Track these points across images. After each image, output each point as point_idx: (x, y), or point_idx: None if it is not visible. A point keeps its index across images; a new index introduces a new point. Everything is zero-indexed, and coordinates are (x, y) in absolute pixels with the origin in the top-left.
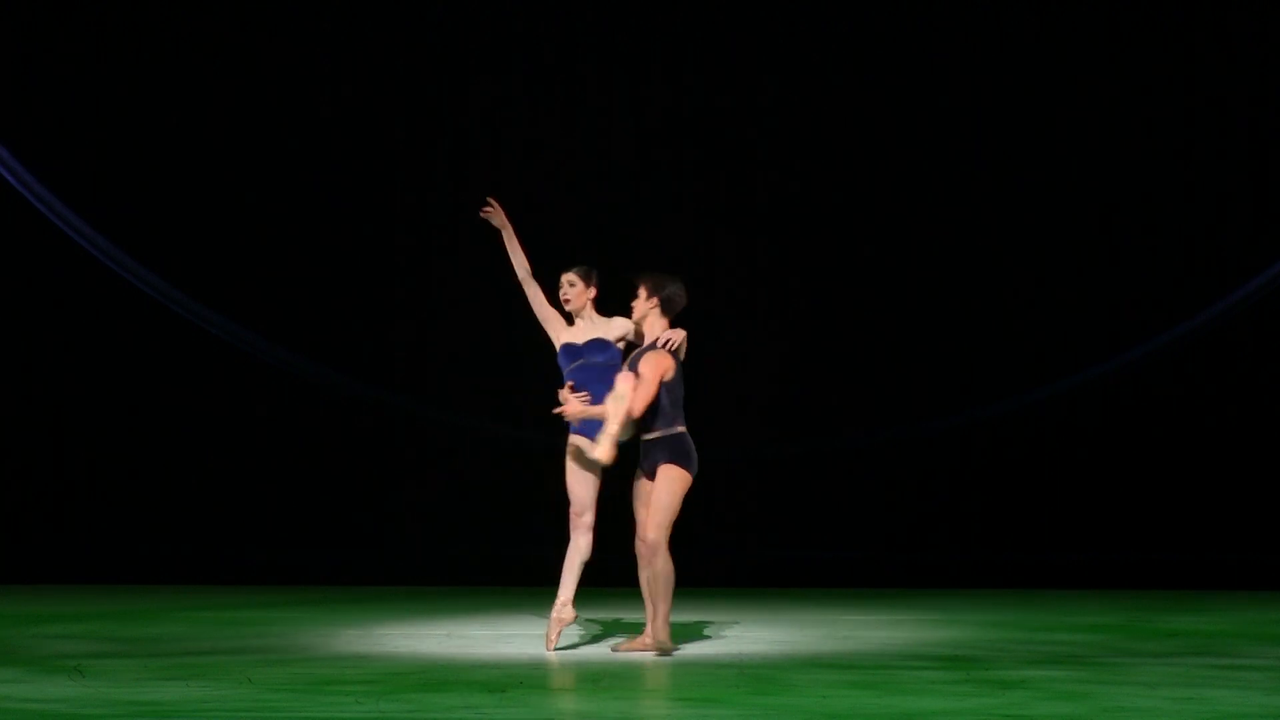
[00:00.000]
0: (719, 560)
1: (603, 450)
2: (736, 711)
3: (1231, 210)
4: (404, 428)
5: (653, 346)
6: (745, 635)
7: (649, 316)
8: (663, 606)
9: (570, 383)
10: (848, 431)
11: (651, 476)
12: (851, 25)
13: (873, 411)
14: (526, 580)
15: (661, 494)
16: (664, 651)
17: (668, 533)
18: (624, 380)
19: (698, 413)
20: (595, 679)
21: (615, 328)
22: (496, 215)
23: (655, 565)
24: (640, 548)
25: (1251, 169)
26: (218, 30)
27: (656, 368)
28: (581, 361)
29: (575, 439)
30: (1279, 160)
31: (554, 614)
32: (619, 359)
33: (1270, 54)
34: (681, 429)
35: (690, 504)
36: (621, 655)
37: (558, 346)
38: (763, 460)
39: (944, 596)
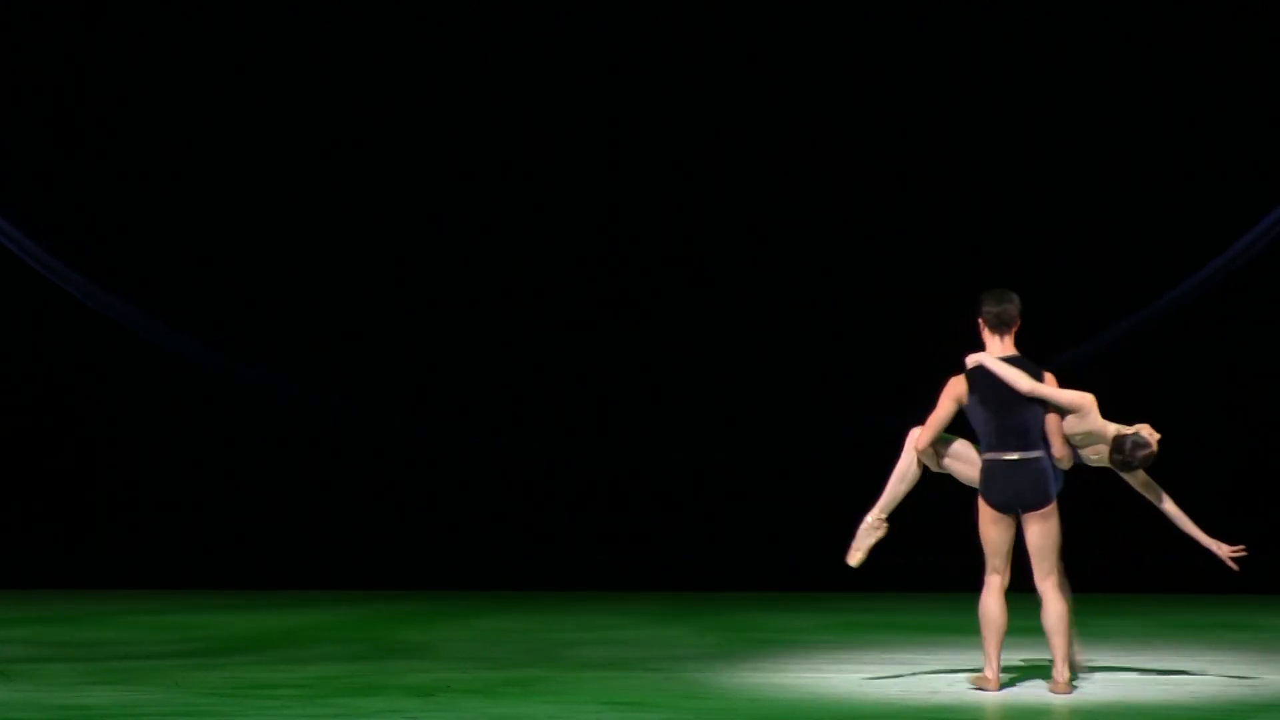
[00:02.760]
0: (647, 561)
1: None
2: (666, 715)
3: (1184, 198)
4: (341, 431)
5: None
6: (671, 639)
7: (986, 339)
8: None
9: None
10: (783, 434)
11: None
12: (766, 36)
13: (812, 414)
14: (461, 584)
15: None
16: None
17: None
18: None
19: (652, 412)
20: (524, 684)
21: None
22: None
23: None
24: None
25: (1194, 164)
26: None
27: (945, 392)
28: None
29: None
30: (1223, 154)
31: (865, 521)
32: None
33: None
34: (988, 456)
35: (636, 504)
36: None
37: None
38: (699, 461)
39: (878, 598)
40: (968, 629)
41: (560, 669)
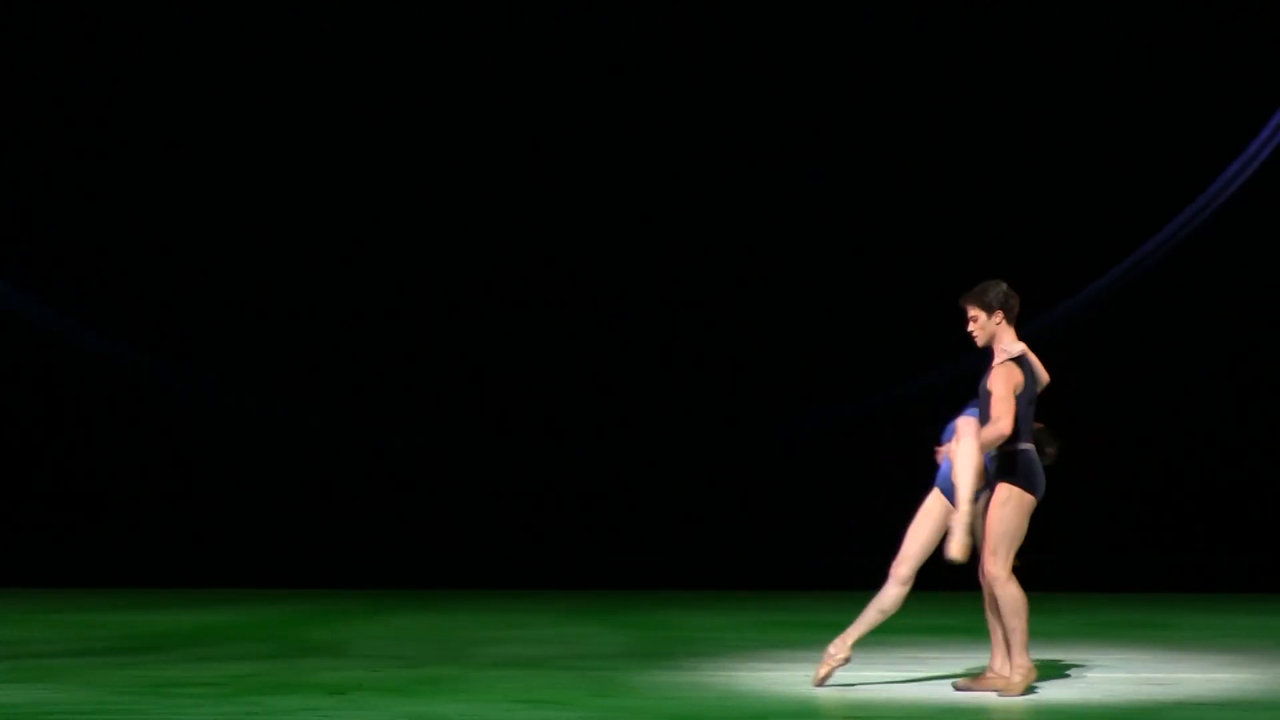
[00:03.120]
0: (560, 559)
1: (956, 544)
2: (578, 713)
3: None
4: (254, 430)
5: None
6: (583, 637)
7: (998, 333)
8: (1017, 638)
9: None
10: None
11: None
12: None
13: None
14: (373, 583)
15: (992, 519)
16: (1027, 688)
17: (1007, 562)
18: (966, 426)
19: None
20: (436, 682)
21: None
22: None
23: (1001, 596)
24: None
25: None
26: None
27: (1008, 381)
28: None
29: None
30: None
31: (831, 650)
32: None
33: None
34: (1025, 445)
35: (547, 502)
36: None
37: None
38: (613, 461)
39: (790, 597)
40: (879, 627)
41: (472, 667)
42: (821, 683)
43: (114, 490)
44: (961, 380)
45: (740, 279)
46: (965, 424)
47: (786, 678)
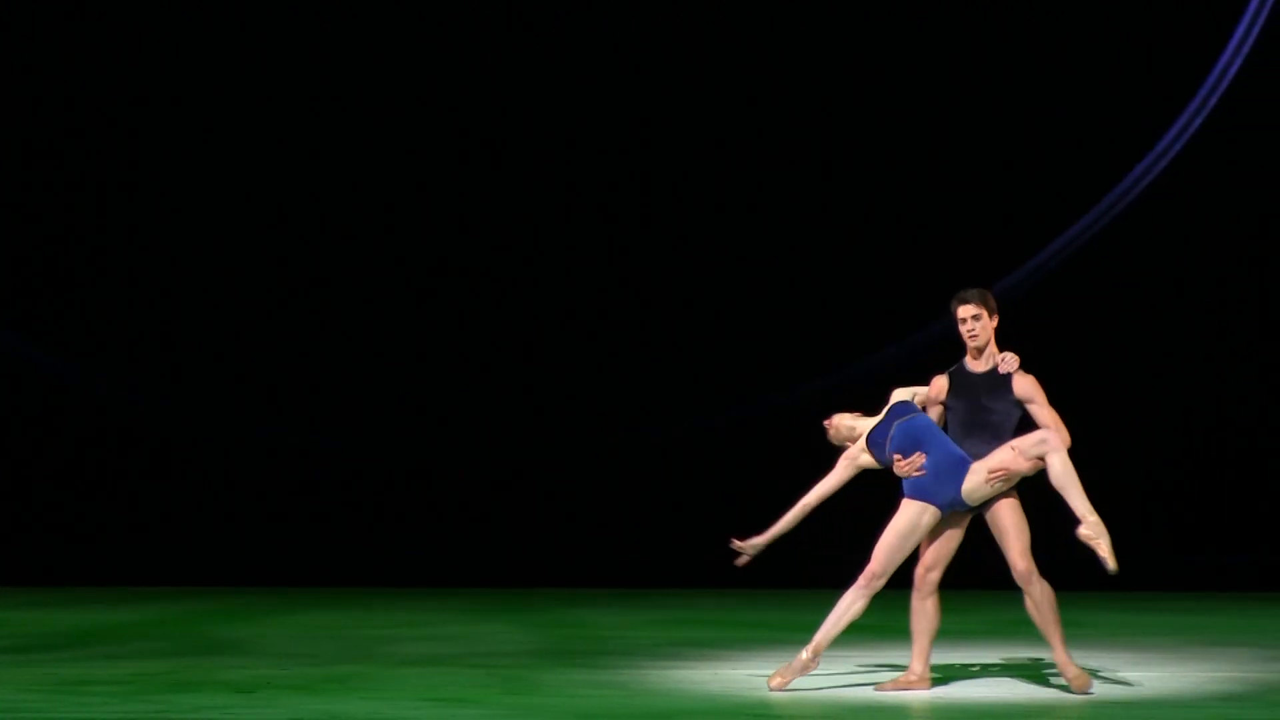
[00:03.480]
0: (466, 556)
1: (1107, 552)
2: (486, 711)
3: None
4: (160, 428)
5: (992, 368)
6: (491, 635)
7: (992, 337)
8: (1055, 635)
9: (897, 454)
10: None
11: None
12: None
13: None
14: (280, 580)
15: (1023, 523)
16: (1082, 687)
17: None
18: (1049, 440)
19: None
20: (343, 680)
21: (899, 394)
22: (749, 549)
23: (1043, 591)
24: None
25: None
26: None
27: (1041, 389)
28: (891, 430)
29: (911, 503)
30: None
31: (802, 656)
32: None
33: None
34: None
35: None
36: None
37: (871, 454)
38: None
39: (699, 596)
40: (785, 625)
41: (379, 665)
42: (778, 689)
43: (17, 488)
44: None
45: (648, 279)
46: (1046, 437)
47: (694, 676)
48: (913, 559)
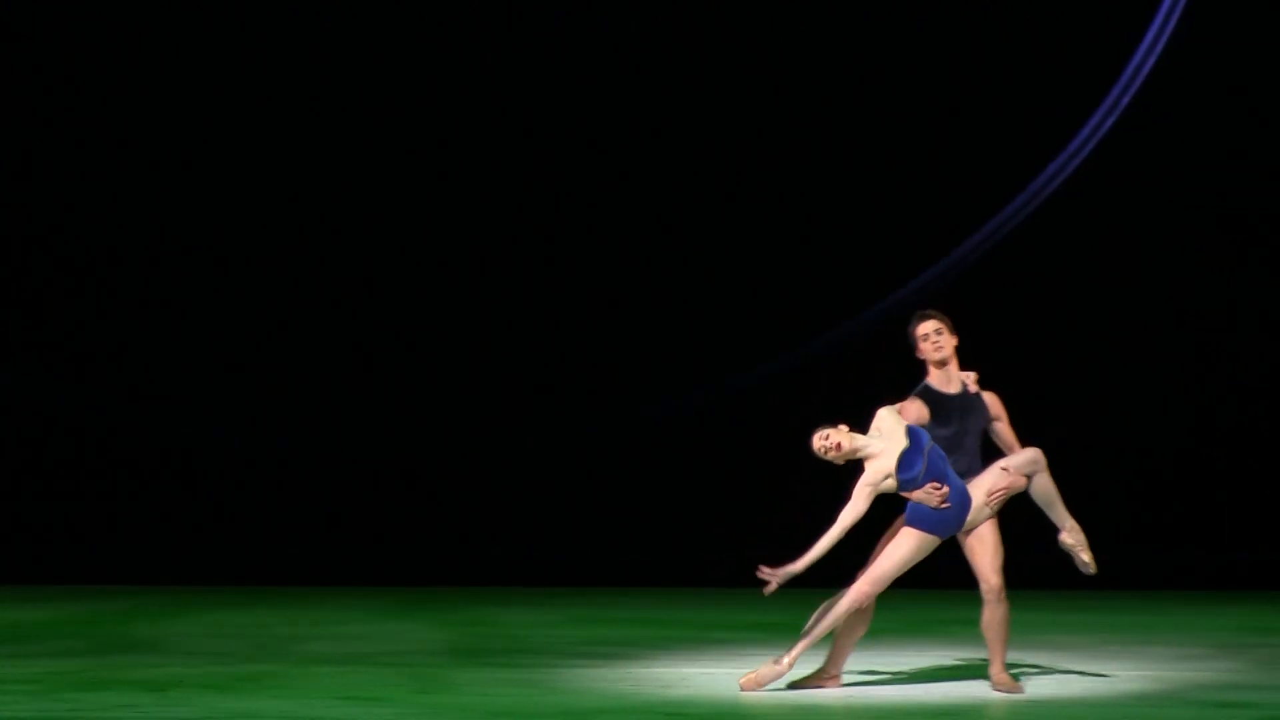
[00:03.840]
0: (379, 554)
1: (1089, 556)
2: (399, 709)
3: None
4: (71, 425)
5: (963, 389)
6: (404, 634)
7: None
8: (1001, 650)
9: (935, 483)
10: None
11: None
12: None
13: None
14: (192, 579)
15: (999, 539)
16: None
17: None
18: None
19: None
20: (256, 679)
21: (890, 413)
22: (779, 578)
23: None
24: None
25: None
26: None
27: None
28: (925, 453)
29: (914, 533)
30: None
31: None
32: None
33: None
34: None
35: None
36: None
37: (896, 477)
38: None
39: (612, 595)
40: (696, 624)
41: (292, 664)
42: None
43: None
44: (803, 372)
45: (574, 278)
46: (1037, 457)
47: (607, 674)
48: (860, 563)
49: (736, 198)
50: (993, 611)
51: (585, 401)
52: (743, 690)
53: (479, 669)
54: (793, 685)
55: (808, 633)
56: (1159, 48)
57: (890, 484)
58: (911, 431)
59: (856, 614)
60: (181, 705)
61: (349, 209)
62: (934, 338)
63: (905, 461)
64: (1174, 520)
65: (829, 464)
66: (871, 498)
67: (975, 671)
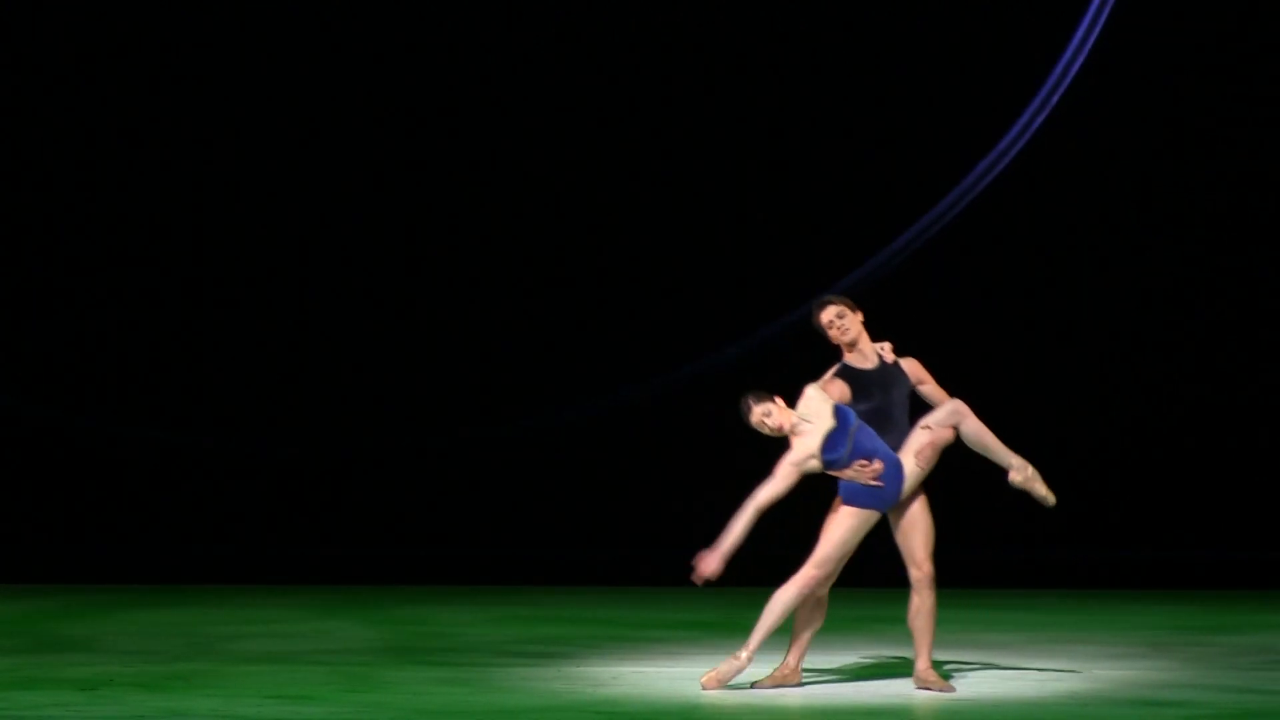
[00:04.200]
0: (309, 553)
1: (1044, 489)
2: (330, 708)
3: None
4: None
5: (881, 363)
6: (334, 633)
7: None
8: (929, 643)
9: (862, 461)
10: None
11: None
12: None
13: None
14: (121, 578)
15: (930, 522)
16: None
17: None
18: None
19: (315, 406)
20: (187, 677)
21: (818, 392)
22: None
23: (932, 597)
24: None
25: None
26: None
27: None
28: (850, 435)
29: (852, 510)
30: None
31: (779, 671)
32: None
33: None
34: None
35: (296, 497)
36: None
37: (820, 458)
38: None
39: (543, 593)
40: (628, 622)
41: (222, 662)
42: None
43: None
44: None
45: (478, 278)
46: (956, 406)
47: (539, 673)
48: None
49: (675, 195)
50: (923, 599)
51: (517, 400)
52: (704, 689)
53: (410, 668)
54: (754, 685)
55: (761, 624)
56: (1088, 46)
57: (815, 464)
58: (838, 411)
59: (813, 607)
60: (112, 704)
61: (283, 205)
62: (837, 323)
63: (830, 442)
64: (1106, 519)
65: (761, 451)
66: (793, 478)
67: (903, 670)
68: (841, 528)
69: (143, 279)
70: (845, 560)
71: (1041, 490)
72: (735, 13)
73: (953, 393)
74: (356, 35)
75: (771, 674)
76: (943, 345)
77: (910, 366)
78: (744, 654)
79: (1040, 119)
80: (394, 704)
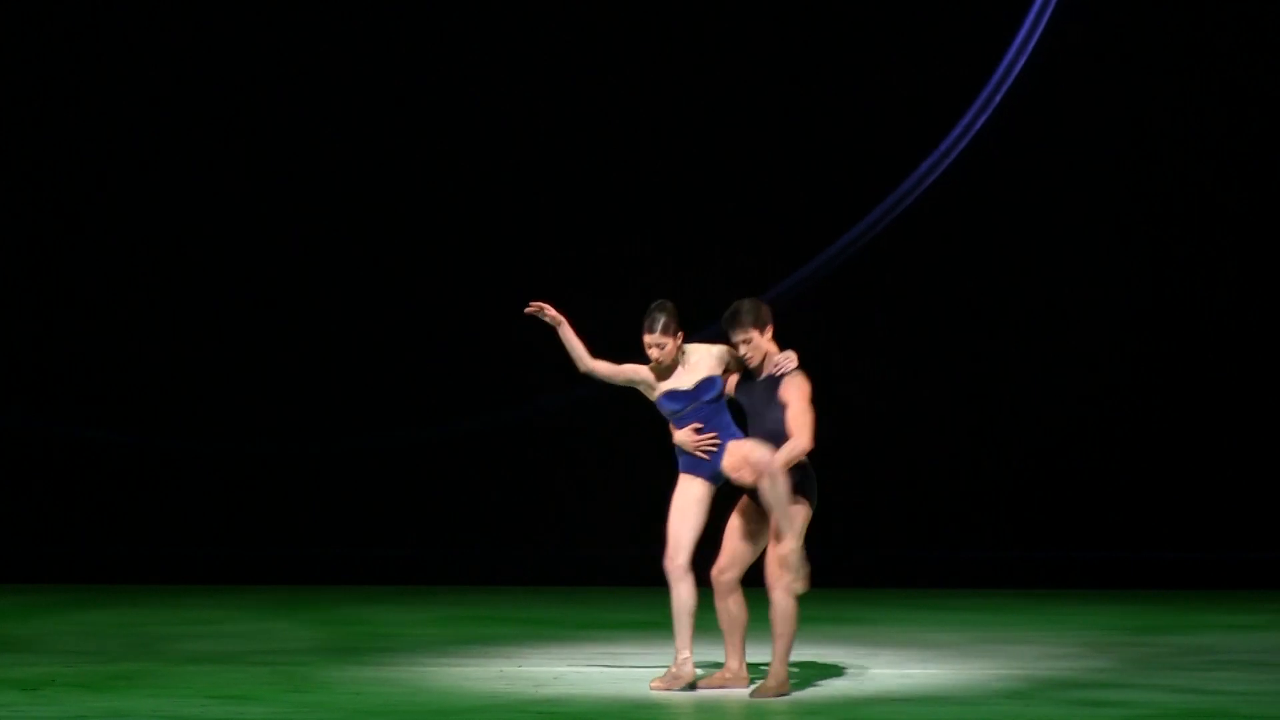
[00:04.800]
0: (248, 553)
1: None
2: (271, 708)
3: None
4: None
5: (769, 375)
6: (275, 633)
7: (769, 348)
8: (786, 644)
9: (697, 424)
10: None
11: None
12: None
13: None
14: (62, 578)
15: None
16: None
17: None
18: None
19: (253, 404)
20: (128, 677)
21: (715, 358)
22: (547, 313)
23: (786, 605)
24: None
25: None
26: None
27: (805, 392)
28: (694, 405)
29: (685, 478)
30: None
31: (674, 669)
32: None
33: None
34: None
35: (236, 497)
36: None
37: (656, 396)
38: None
39: (483, 593)
40: (567, 622)
41: (164, 662)
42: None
43: None
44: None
45: (410, 278)
46: (761, 451)
47: (476, 673)
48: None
49: (609, 197)
50: (789, 599)
51: (454, 399)
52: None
53: (350, 668)
54: (696, 685)
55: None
56: (1030, 47)
57: (649, 394)
58: (709, 380)
59: (729, 610)
60: (54, 704)
61: (203, 207)
62: (744, 349)
63: (673, 394)
64: (1044, 519)
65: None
66: (610, 374)
67: (835, 671)
68: (675, 497)
69: (88, 279)
70: (690, 530)
71: (796, 578)
72: (666, 18)
73: (890, 413)
74: (311, 35)
75: (713, 675)
76: (881, 347)
77: (787, 387)
78: (680, 668)
79: (982, 120)
80: (335, 704)
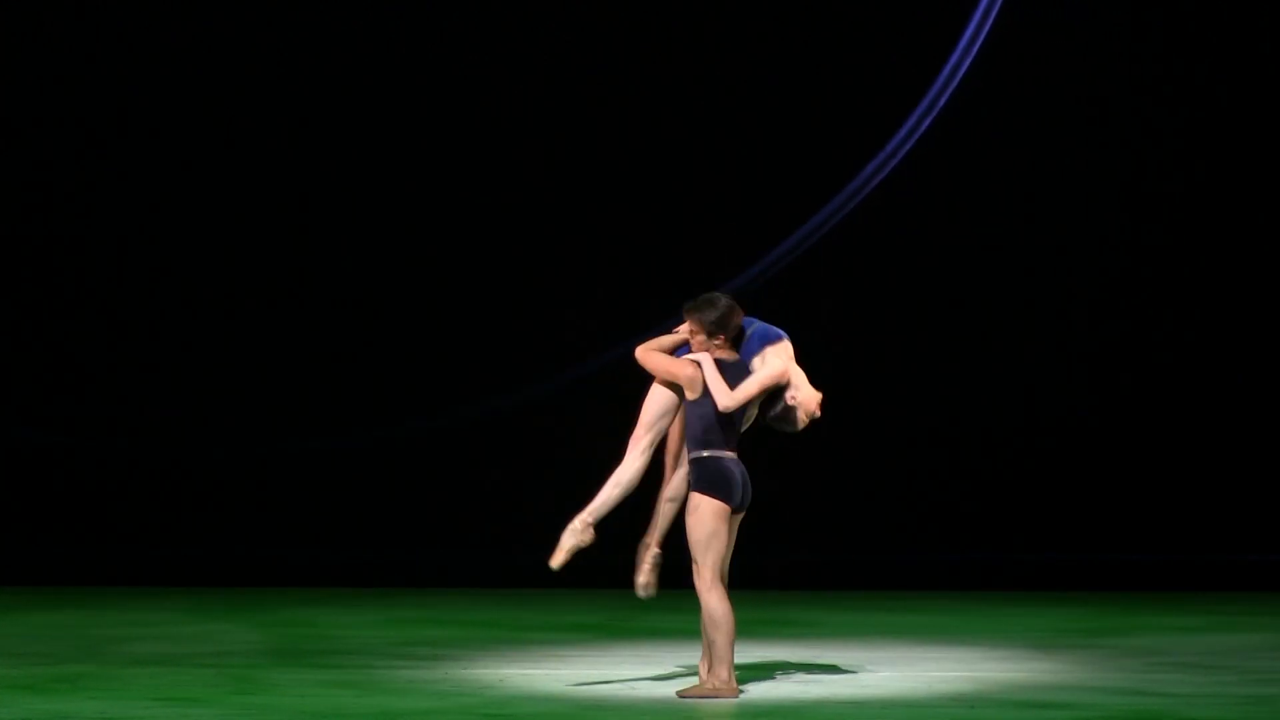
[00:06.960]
0: (196, 555)
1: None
2: (217, 711)
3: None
4: None
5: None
6: (222, 635)
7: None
8: (717, 651)
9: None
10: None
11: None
12: None
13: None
14: (7, 580)
15: (687, 528)
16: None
17: (709, 572)
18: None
19: (202, 406)
20: (74, 680)
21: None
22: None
23: (703, 607)
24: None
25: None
26: None
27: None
28: None
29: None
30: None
31: (575, 527)
32: None
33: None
34: (720, 453)
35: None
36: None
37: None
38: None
39: (428, 595)
40: (518, 624)
41: (110, 665)
42: (560, 565)
43: None
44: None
45: (360, 279)
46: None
47: (425, 675)
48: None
49: (563, 195)
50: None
51: (401, 401)
52: (555, 567)
53: (297, 670)
54: (681, 694)
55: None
56: (975, 48)
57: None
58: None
59: (721, 612)
60: None
61: (153, 208)
62: (694, 339)
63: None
64: (993, 520)
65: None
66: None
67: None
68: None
69: (32, 282)
70: (666, 415)
71: (647, 573)
72: (613, 18)
73: (840, 410)
74: (292, 37)
75: (697, 685)
76: (829, 347)
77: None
78: (581, 526)
79: (929, 120)
80: (280, 706)
